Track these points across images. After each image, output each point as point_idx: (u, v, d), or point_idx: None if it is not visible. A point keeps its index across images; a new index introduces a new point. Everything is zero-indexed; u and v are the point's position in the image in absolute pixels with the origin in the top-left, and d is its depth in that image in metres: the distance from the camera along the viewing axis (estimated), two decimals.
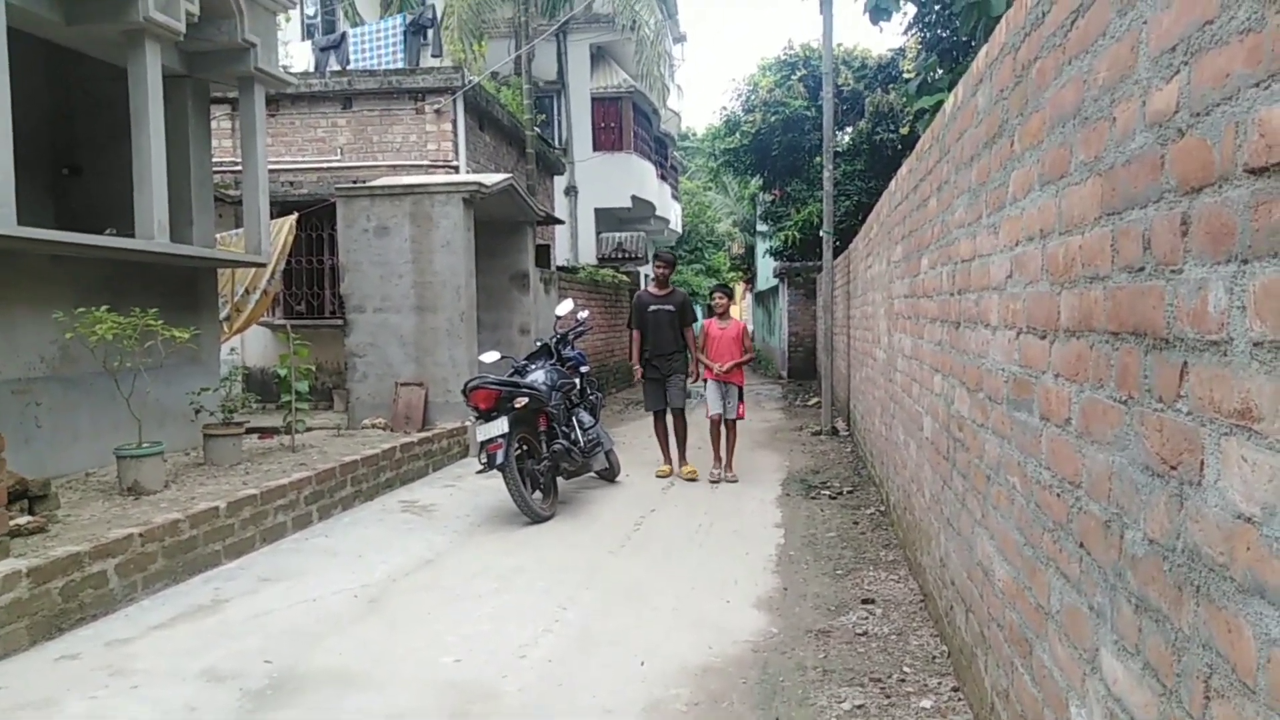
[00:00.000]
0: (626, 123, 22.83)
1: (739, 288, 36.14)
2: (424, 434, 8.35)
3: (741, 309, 36.37)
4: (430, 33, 16.30)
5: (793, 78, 17.86)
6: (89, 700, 3.43)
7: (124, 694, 3.49)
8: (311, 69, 14.63)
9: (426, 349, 9.24)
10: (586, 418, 7.17)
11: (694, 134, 39.58)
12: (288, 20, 16.49)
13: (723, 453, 7.87)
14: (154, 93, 6.68)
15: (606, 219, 23.30)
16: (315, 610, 4.48)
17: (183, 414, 7.09)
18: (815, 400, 13.52)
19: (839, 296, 10.97)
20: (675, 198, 30.39)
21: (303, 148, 12.77)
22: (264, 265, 8.74)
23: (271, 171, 9.20)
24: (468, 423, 8.65)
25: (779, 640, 4.00)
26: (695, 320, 8.10)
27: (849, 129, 17.41)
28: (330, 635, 4.15)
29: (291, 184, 12.06)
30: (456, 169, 12.59)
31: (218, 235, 9.01)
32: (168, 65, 7.01)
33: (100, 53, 7.15)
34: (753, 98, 18.27)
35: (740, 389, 7.73)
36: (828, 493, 7.12)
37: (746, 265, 32.25)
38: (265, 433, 7.85)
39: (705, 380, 7.84)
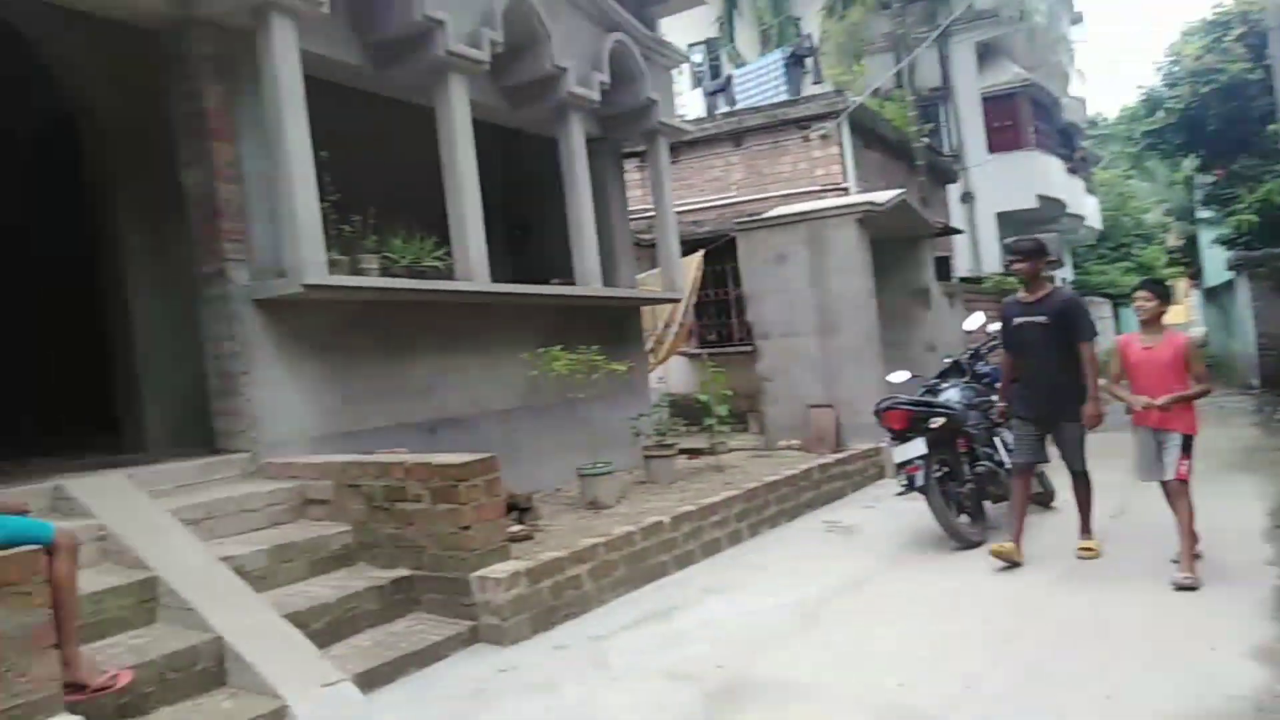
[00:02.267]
0: (1023, 118, 21.22)
1: (1181, 285, 31.18)
2: (839, 455, 8.43)
3: (1187, 310, 31.37)
4: (809, 61, 16.62)
5: (1226, 39, 15.34)
6: (580, 687, 3.96)
7: (606, 684, 3.98)
8: (703, 113, 15.65)
9: (833, 371, 9.34)
10: (1011, 438, 6.72)
11: (1104, 119, 35.60)
12: (679, 73, 17.87)
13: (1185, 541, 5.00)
14: (579, 156, 7.65)
15: (1010, 223, 21.68)
16: (755, 622, 4.71)
17: (624, 437, 7.92)
18: None
19: None
20: (1089, 191, 27.45)
21: (701, 188, 13.68)
22: (679, 300, 9.51)
23: (677, 213, 10.01)
24: (882, 444, 8.56)
25: None
26: (1093, 333, 5.52)
27: None
28: (772, 647, 4.34)
29: (695, 223, 12.96)
30: (846, 191, 12.63)
31: (638, 276, 9.97)
32: (588, 131, 7.97)
33: (535, 128, 8.33)
34: (1176, 69, 16.02)
35: (1187, 438, 4.94)
36: None
37: (1189, 258, 27.79)
38: (693, 453, 8.47)
39: (1133, 426, 5.22)
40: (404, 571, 4.77)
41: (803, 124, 13.11)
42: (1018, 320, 5.58)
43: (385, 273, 6.02)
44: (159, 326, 6.23)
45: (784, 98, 14.88)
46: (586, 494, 6.47)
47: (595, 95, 7.68)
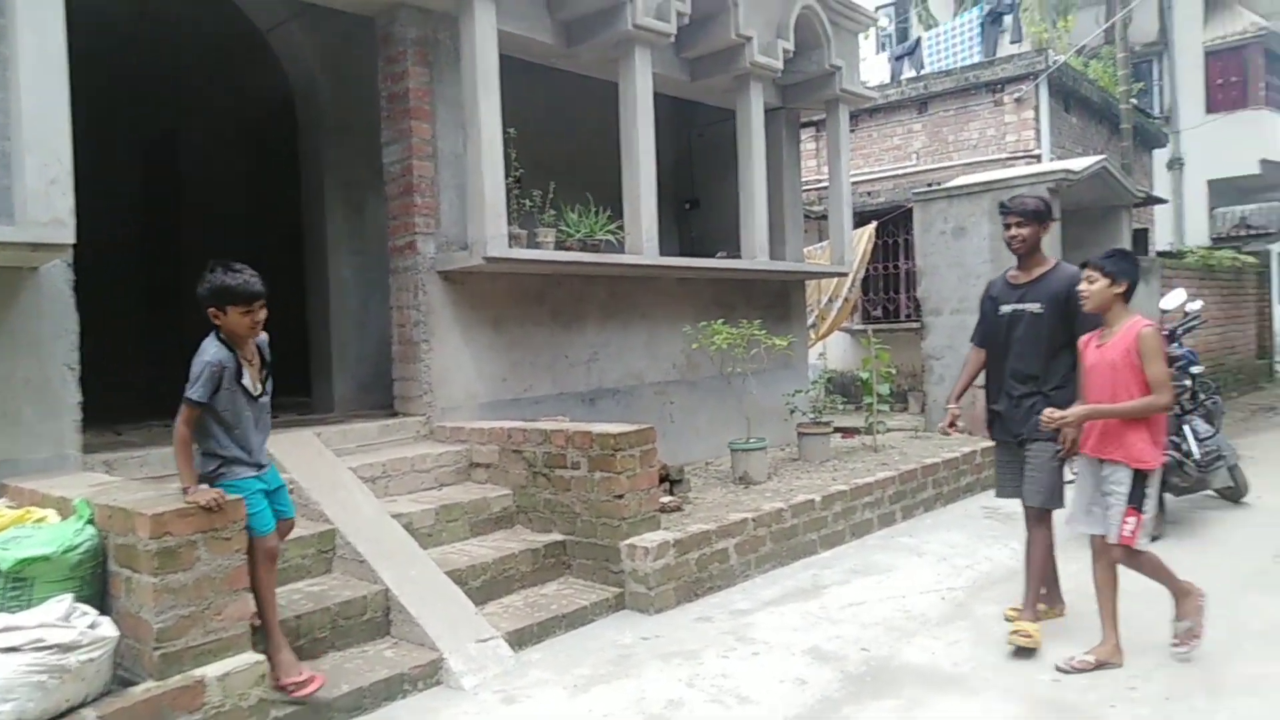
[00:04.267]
0: (1254, 73, 18.97)
1: None
2: None
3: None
4: (1009, 19, 15.57)
5: None
6: (722, 659, 4.05)
7: (748, 659, 4.05)
8: (887, 79, 15.05)
9: None
10: (1202, 426, 6.19)
11: None
12: (865, 37, 17.26)
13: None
14: (757, 128, 7.57)
15: (1224, 191, 19.60)
16: (904, 606, 4.64)
17: (778, 413, 7.89)
18: None
19: None
20: None
21: (879, 158, 13.23)
22: (846, 274, 9.29)
23: (852, 184, 9.75)
24: None
25: None
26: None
27: None
28: (919, 633, 4.27)
29: (869, 194, 12.57)
30: (1039, 158, 11.84)
31: (806, 249, 9.81)
32: (766, 101, 7.86)
33: (713, 99, 8.30)
34: None
35: (1138, 477, 3.65)
36: None
37: None
38: (848, 432, 8.33)
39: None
40: (558, 536, 5.02)
41: (996, 87, 12.39)
42: (1005, 308, 4.20)
43: (559, 246, 6.26)
44: (351, 297, 6.81)
45: (978, 59, 14.07)
46: (737, 469, 6.52)
47: (778, 64, 7.56)
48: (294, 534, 4.19)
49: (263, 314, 3.38)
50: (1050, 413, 3.72)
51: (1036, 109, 12.14)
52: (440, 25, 5.84)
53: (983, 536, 6.00)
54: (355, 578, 4.20)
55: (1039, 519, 4.14)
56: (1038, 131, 12.10)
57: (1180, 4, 18.92)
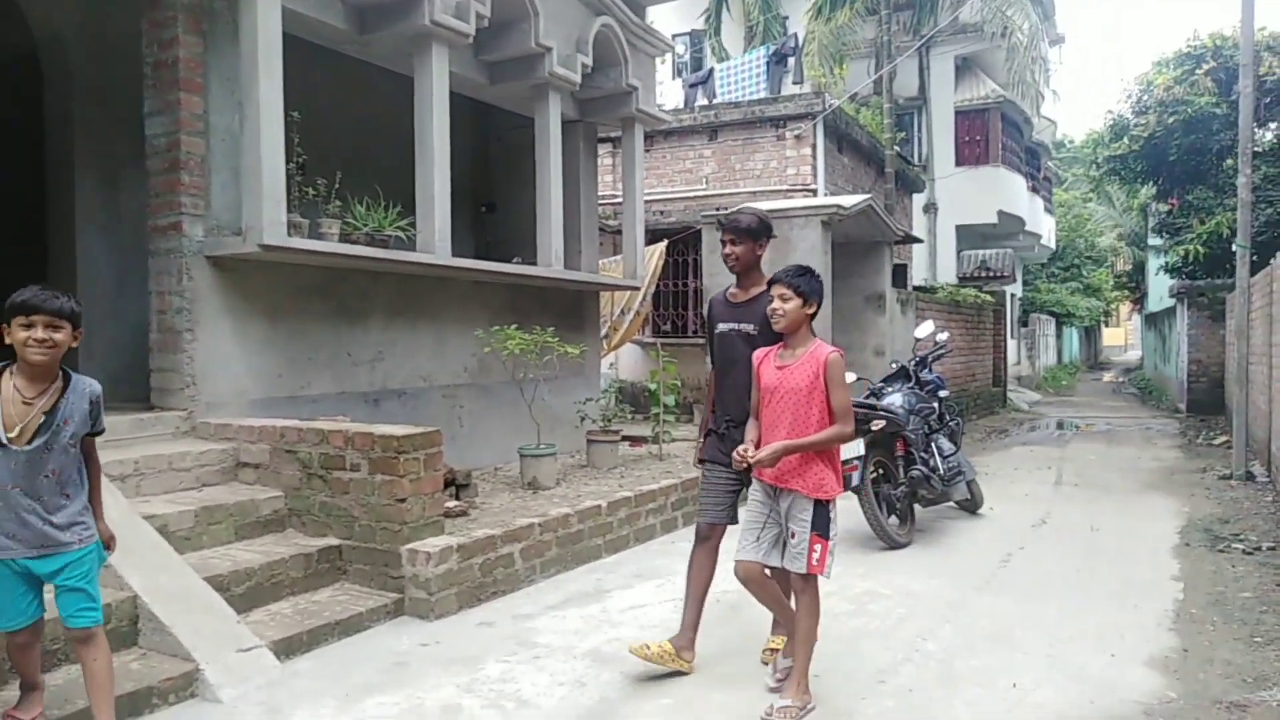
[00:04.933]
0: (994, 134, 21.53)
1: (1124, 308, 32.22)
2: None
3: (1126, 332, 32.37)
4: (791, 61, 16.70)
5: (1197, 72, 15.71)
6: (502, 664, 4.00)
7: (529, 662, 4.03)
8: (681, 105, 15.66)
9: None
10: (946, 444, 6.89)
11: (1071, 142, 36.21)
12: (662, 62, 17.87)
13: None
14: (554, 137, 7.63)
15: (968, 236, 22.09)
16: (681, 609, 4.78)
17: (569, 420, 7.95)
18: (1224, 439, 11.69)
19: (1257, 320, 9.40)
20: (1048, 211, 27.96)
21: (672, 179, 13.71)
22: (638, 288, 9.54)
23: (645, 202, 10.04)
24: None
25: (1178, 707, 3.55)
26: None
27: (1272, 125, 14.89)
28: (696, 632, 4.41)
29: (662, 213, 13.00)
30: (815, 192, 12.75)
31: (600, 261, 9.98)
32: (565, 113, 7.96)
33: (512, 106, 8.29)
34: (1145, 98, 16.36)
35: (820, 507, 3.46)
36: (1241, 546, 6.14)
37: (1135, 283, 28.71)
38: (636, 441, 8.53)
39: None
40: (333, 540, 4.77)
41: (779, 123, 13.19)
42: (721, 326, 3.99)
43: (345, 239, 5.97)
44: (105, 277, 6.15)
45: (764, 95, 14.95)
46: (526, 474, 6.50)
47: (576, 77, 7.67)
48: None
49: (46, 334, 2.79)
50: (742, 451, 3.47)
51: (814, 146, 13.07)
52: None
53: None
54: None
55: (706, 536, 4.00)
56: (814, 167, 13.03)
57: (936, 66, 21.11)
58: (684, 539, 6.33)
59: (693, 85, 16.72)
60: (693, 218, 11.95)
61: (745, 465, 3.49)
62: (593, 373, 8.90)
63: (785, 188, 12.86)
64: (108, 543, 3.11)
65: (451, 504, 5.41)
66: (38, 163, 6.40)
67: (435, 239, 6.35)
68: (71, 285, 6.04)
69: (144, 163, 5.53)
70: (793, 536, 3.48)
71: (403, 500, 4.63)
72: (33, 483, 2.80)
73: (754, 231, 3.94)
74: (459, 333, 7.25)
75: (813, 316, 3.55)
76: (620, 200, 11.29)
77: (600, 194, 11.49)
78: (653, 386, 8.26)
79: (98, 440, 3.08)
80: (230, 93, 5.48)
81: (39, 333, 2.74)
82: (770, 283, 3.58)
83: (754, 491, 3.65)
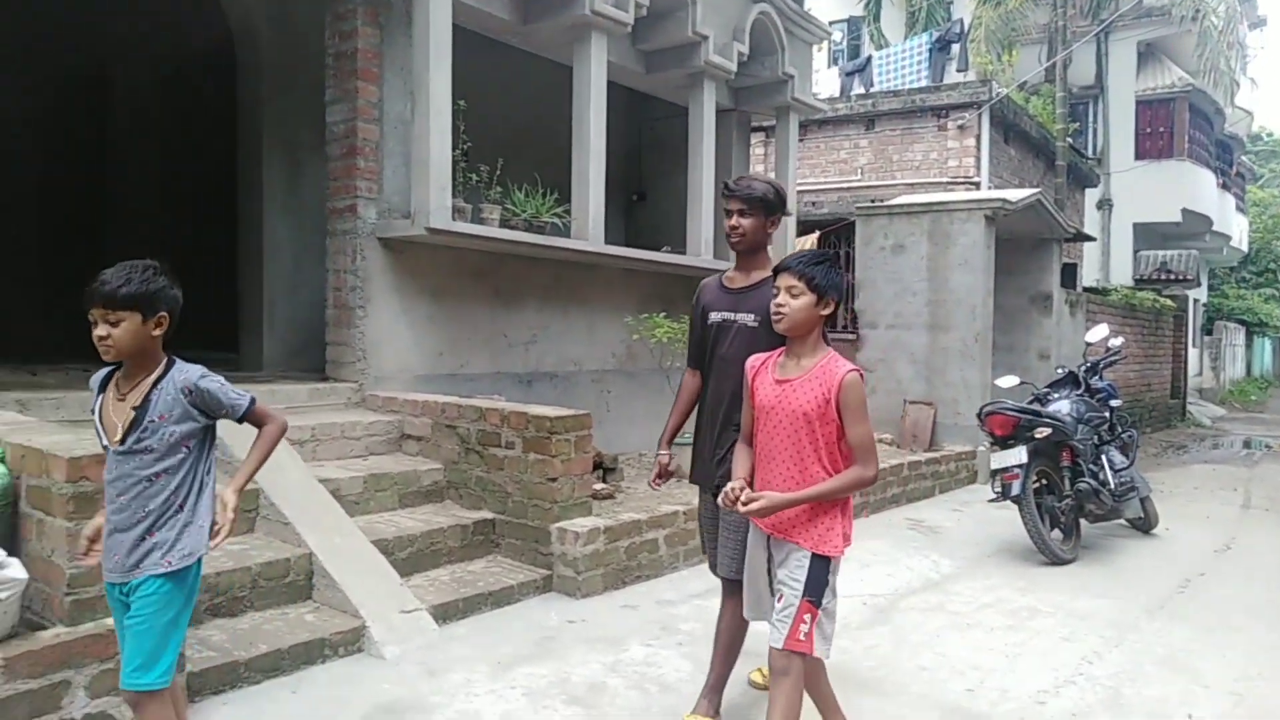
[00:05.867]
0: (1180, 126, 19.92)
1: None
2: (931, 454, 8.26)
3: None
4: (956, 47, 16.01)
5: None
6: (646, 647, 4.04)
7: (672, 648, 4.04)
8: (837, 94, 15.30)
9: (937, 368, 9.10)
10: (1118, 457, 6.44)
11: (1269, 135, 33.11)
12: (819, 50, 17.52)
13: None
14: (708, 126, 7.62)
15: (1147, 235, 20.52)
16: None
17: None
18: None
19: None
20: (1240, 210, 25.62)
21: (825, 169, 13.43)
22: None
23: (797, 192, 9.86)
24: (980, 447, 8.32)
25: None
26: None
27: None
28: (841, 637, 4.27)
29: (814, 204, 12.75)
30: (977, 185, 12.19)
31: None
32: (719, 101, 7.92)
33: (666, 94, 8.31)
34: None
35: (818, 564, 2.68)
36: None
37: None
38: None
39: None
40: (487, 514, 4.94)
41: (941, 112, 12.70)
42: (715, 316, 3.29)
43: (504, 224, 6.16)
44: (285, 255, 6.59)
45: (925, 83, 14.42)
46: (672, 461, 6.50)
47: (732, 66, 7.63)
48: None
49: (102, 330, 2.29)
50: (731, 491, 2.68)
51: (978, 137, 12.50)
52: None
53: (905, 547, 6.13)
54: (279, 540, 4.05)
55: (732, 591, 3.22)
56: (978, 159, 12.45)
57: (1116, 52, 19.71)
58: None
59: (849, 73, 16.32)
60: (846, 209, 11.66)
61: (728, 503, 2.69)
62: None
63: (946, 179, 12.36)
64: (217, 521, 2.43)
65: (599, 486, 5.49)
66: (226, 150, 6.91)
67: (589, 226, 6.46)
68: (258, 262, 6.53)
69: (323, 148, 5.87)
70: (779, 598, 2.71)
71: (554, 480, 4.74)
72: (139, 489, 2.34)
73: (768, 203, 3.20)
74: (608, 319, 7.35)
75: (829, 319, 2.72)
76: None
77: None
78: None
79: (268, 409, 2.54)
80: (403, 82, 5.74)
81: (98, 329, 2.29)
82: (776, 271, 2.74)
83: (752, 533, 2.88)
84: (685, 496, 5.68)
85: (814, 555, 2.67)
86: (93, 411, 2.44)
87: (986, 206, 9.04)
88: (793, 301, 2.65)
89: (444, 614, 4.10)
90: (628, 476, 6.31)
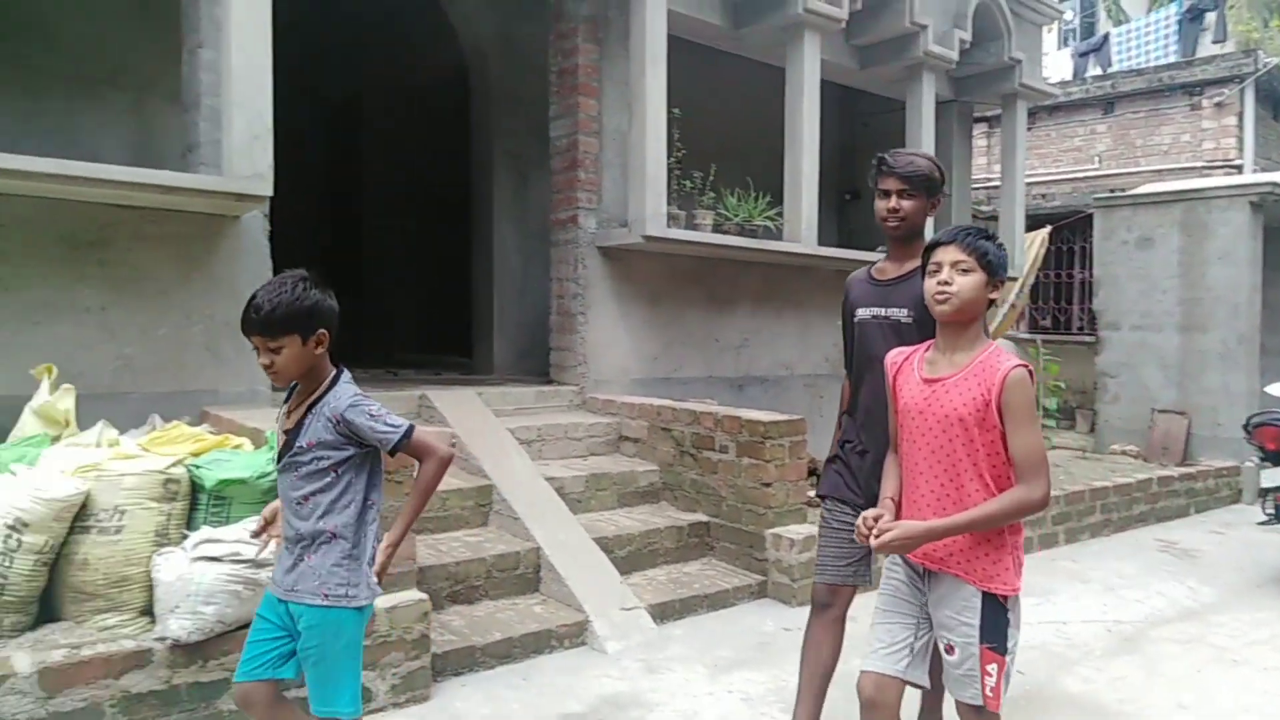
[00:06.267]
0: None
1: None
2: (1184, 469, 7.46)
3: None
4: (1211, 16, 14.42)
5: None
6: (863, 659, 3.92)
7: None
8: (1069, 76, 14.21)
9: (1191, 373, 8.21)
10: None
11: None
12: (1048, 31, 16.35)
13: None
14: (927, 120, 7.30)
15: None
16: (1064, 633, 4.37)
17: None
18: None
19: None
20: None
21: (1056, 159, 12.51)
22: (1014, 279, 8.82)
23: (1025, 185, 9.22)
24: (1246, 463, 7.42)
25: None
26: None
27: None
28: (1081, 663, 4.00)
29: (1043, 196, 11.91)
30: (1239, 169, 10.91)
31: None
32: (938, 93, 7.57)
33: (880, 89, 8.04)
34: None
35: (993, 607, 2.20)
36: None
37: None
38: None
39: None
40: (702, 517, 4.99)
41: (1194, 89, 11.48)
42: (862, 312, 2.88)
43: (717, 229, 6.22)
44: (513, 264, 6.99)
45: (1174, 59, 13.10)
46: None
47: (953, 55, 7.29)
48: (454, 485, 4.35)
49: (267, 357, 2.17)
50: (867, 521, 2.21)
51: (1240, 115, 11.18)
52: (611, 3, 5.89)
53: (1156, 570, 5.58)
54: (510, 533, 4.31)
55: (826, 601, 2.95)
56: (1240, 140, 11.14)
57: None
58: (1064, 557, 5.80)
59: (1083, 54, 15.13)
60: (1081, 201, 10.80)
61: (876, 549, 2.19)
62: None
63: (1201, 164, 11.15)
64: (379, 574, 2.28)
65: (814, 493, 5.39)
66: (458, 167, 7.42)
67: (802, 228, 6.38)
68: (489, 271, 6.97)
69: (547, 162, 6.17)
70: (950, 651, 2.25)
71: (768, 485, 4.71)
72: (291, 508, 2.24)
73: (931, 181, 2.76)
74: (822, 321, 7.22)
75: (994, 303, 2.32)
76: (995, 184, 10.55)
77: (973, 177, 10.80)
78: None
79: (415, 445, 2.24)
80: (621, 95, 5.92)
81: (261, 358, 2.18)
82: (931, 247, 2.28)
83: (892, 565, 2.40)
84: None
85: (985, 595, 2.20)
86: (276, 421, 2.34)
87: (1252, 192, 8.07)
88: (961, 279, 2.20)
89: (661, 613, 4.19)
90: None
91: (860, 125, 9.26)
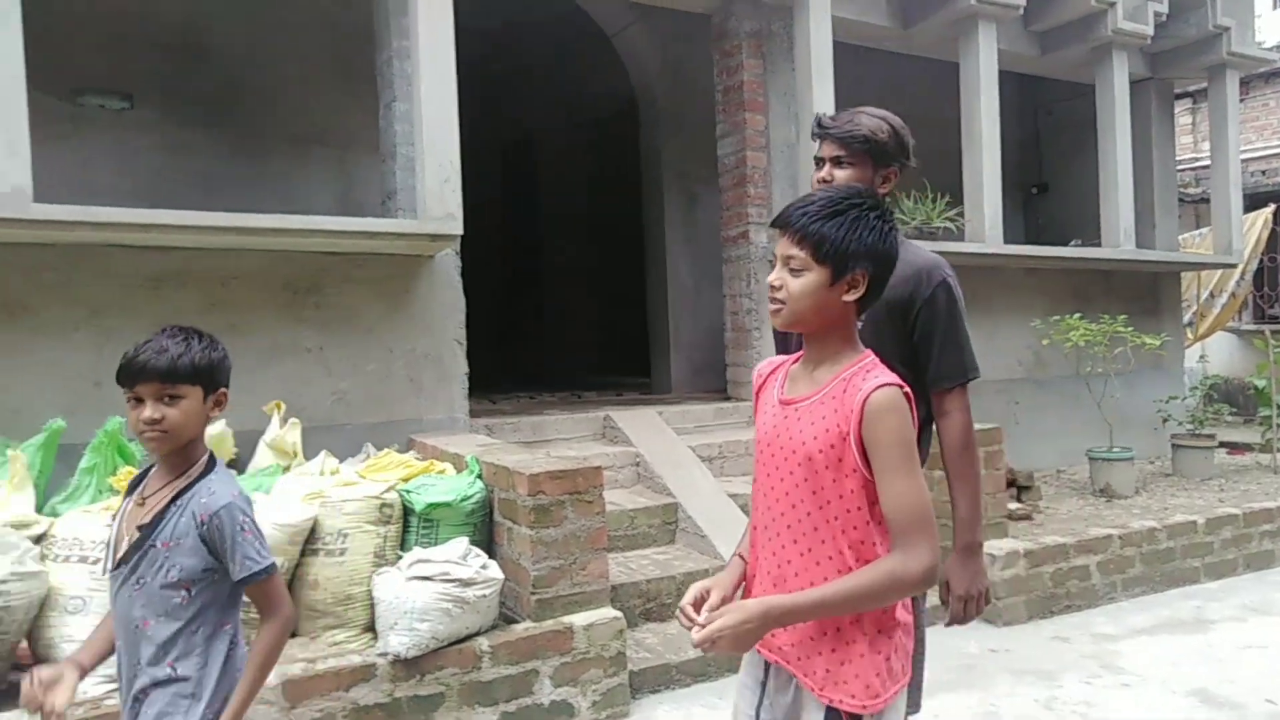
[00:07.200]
0: None
1: None
2: None
3: None
4: None
5: None
6: (1085, 685, 3.65)
7: (1116, 689, 3.62)
8: None
9: None
10: None
11: None
12: None
13: None
14: (1120, 101, 6.78)
15: None
16: None
17: (1146, 421, 6.99)
18: None
19: None
20: None
21: (1277, 130, 11.28)
22: (1233, 266, 8.02)
23: (1242, 161, 8.36)
24: None
25: None
26: (965, 371, 2.24)
27: None
28: None
29: (1264, 173, 10.77)
30: None
31: (1180, 237, 8.62)
32: (1132, 71, 7.01)
33: (1063, 74, 7.53)
34: None
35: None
36: None
37: None
38: (1237, 448, 7.19)
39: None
40: None
41: None
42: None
43: None
44: (686, 283, 7.06)
45: None
46: (1097, 479, 5.85)
47: (1148, 29, 6.73)
48: (641, 504, 4.43)
49: (156, 411, 1.70)
50: (685, 607, 1.63)
51: None
52: (774, 16, 5.86)
53: None
54: (697, 551, 4.32)
55: None
56: None
57: None
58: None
59: None
60: None
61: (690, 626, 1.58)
62: (1174, 366, 7.70)
63: None
64: None
65: (1014, 506, 5.10)
66: (630, 196, 7.60)
67: (985, 227, 6.08)
68: (663, 292, 7.06)
69: (715, 180, 6.20)
70: None
71: None
72: (127, 629, 1.74)
73: (877, 147, 2.20)
74: (1011, 323, 6.82)
75: (864, 304, 1.60)
76: (1203, 164, 9.65)
77: (1178, 158, 9.93)
78: (1259, 383, 6.85)
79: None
80: (787, 107, 5.87)
81: (146, 412, 1.69)
82: (774, 227, 1.65)
83: (747, 676, 1.82)
84: (1118, 519, 5.08)
85: (828, 710, 1.56)
86: (111, 520, 1.85)
87: None
88: (792, 281, 1.56)
89: None
90: (1045, 495, 5.78)
91: (1044, 113, 8.74)
